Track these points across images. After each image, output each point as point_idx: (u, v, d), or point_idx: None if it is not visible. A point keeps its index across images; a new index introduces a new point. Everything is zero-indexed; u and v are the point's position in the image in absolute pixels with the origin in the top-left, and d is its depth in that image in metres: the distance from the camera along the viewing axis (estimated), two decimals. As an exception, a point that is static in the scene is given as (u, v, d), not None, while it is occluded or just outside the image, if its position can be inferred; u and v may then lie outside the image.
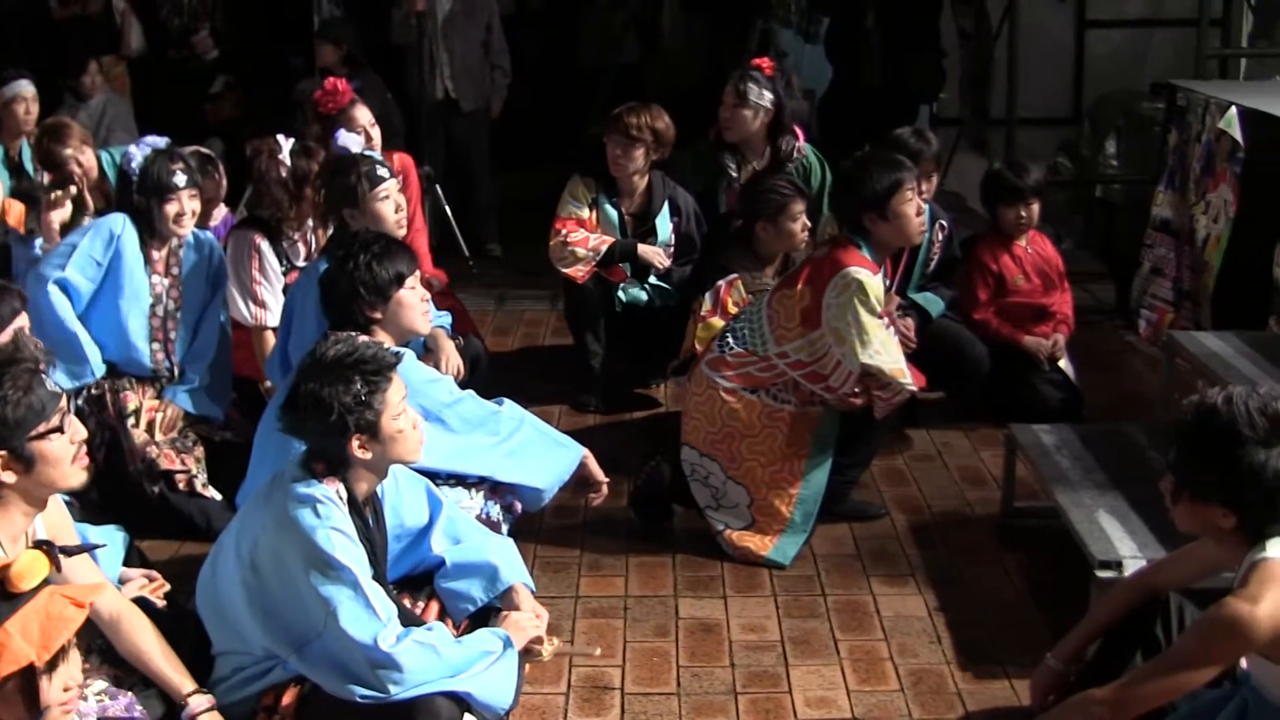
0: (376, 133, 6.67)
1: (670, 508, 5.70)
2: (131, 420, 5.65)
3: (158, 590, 4.31)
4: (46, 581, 3.02)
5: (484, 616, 4.17)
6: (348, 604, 3.72)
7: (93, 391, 5.64)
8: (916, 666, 4.70)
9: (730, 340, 5.53)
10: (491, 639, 3.96)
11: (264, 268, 6.07)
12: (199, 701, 3.84)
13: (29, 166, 7.19)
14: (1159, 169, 7.84)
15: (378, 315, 4.68)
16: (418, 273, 4.80)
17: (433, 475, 4.52)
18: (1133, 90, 9.49)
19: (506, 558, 4.28)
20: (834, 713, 4.45)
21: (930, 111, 10.33)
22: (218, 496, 5.62)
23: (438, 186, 9.32)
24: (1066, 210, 9.50)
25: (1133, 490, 4.90)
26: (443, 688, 3.77)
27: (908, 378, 5.35)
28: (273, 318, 5.98)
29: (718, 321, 6.02)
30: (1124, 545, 4.59)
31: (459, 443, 4.75)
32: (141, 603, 4.04)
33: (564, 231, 6.87)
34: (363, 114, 6.65)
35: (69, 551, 3.45)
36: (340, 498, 3.84)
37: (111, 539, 4.32)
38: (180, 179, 5.59)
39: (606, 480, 5.10)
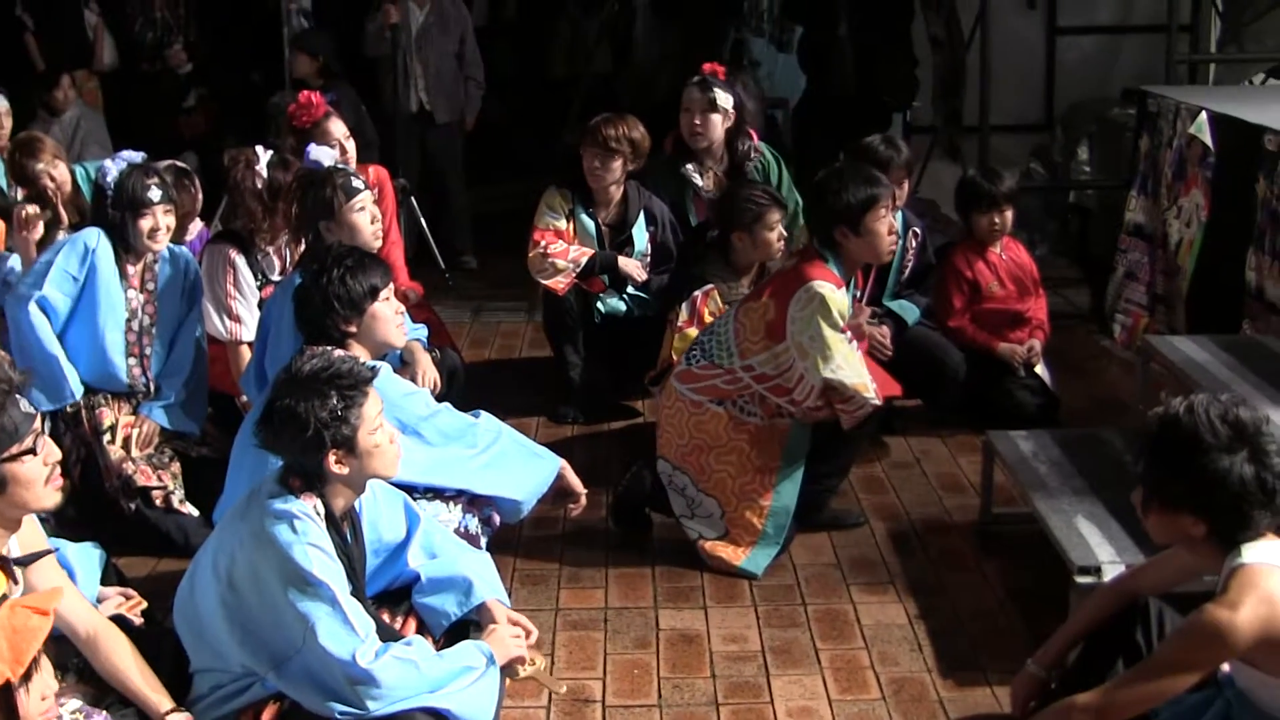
0: (352, 146, 6.66)
1: (649, 518, 5.69)
2: (107, 436, 5.63)
3: (135, 608, 4.27)
4: (4, 597, 3.00)
5: (461, 631, 4.15)
6: (326, 620, 3.70)
7: (68, 408, 5.61)
8: (898, 675, 4.70)
9: (698, 353, 5.54)
10: (475, 654, 3.94)
11: (239, 282, 6.04)
12: (177, 720, 3.83)
13: (3, 183, 7.16)
14: (1131, 174, 7.88)
15: (352, 329, 4.66)
16: (392, 285, 4.78)
17: (410, 489, 4.49)
18: (1104, 96, 9.55)
19: (481, 572, 4.26)
20: (815, 722, 4.46)
21: (904, 119, 10.36)
22: (195, 512, 5.60)
23: (413, 199, 9.31)
24: (1041, 216, 9.54)
25: (1110, 496, 4.91)
26: (422, 703, 3.75)
27: (870, 392, 5.34)
28: (248, 332, 5.96)
29: (694, 332, 6.02)
30: (1103, 551, 4.59)
31: (436, 456, 4.73)
32: (119, 620, 4.01)
33: (543, 243, 6.86)
34: (337, 127, 6.64)
35: (24, 561, 3.43)
36: (317, 513, 3.82)
37: (88, 557, 4.29)
38: (155, 194, 5.58)
39: (584, 491, 5.08)
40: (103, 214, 5.61)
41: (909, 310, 6.54)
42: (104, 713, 3.76)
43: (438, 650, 3.95)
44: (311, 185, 5.50)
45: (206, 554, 3.94)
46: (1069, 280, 8.90)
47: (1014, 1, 10.04)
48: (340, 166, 5.69)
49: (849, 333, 5.42)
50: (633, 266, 6.94)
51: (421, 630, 4.16)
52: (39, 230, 6.22)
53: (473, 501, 4.85)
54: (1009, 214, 6.73)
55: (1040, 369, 6.76)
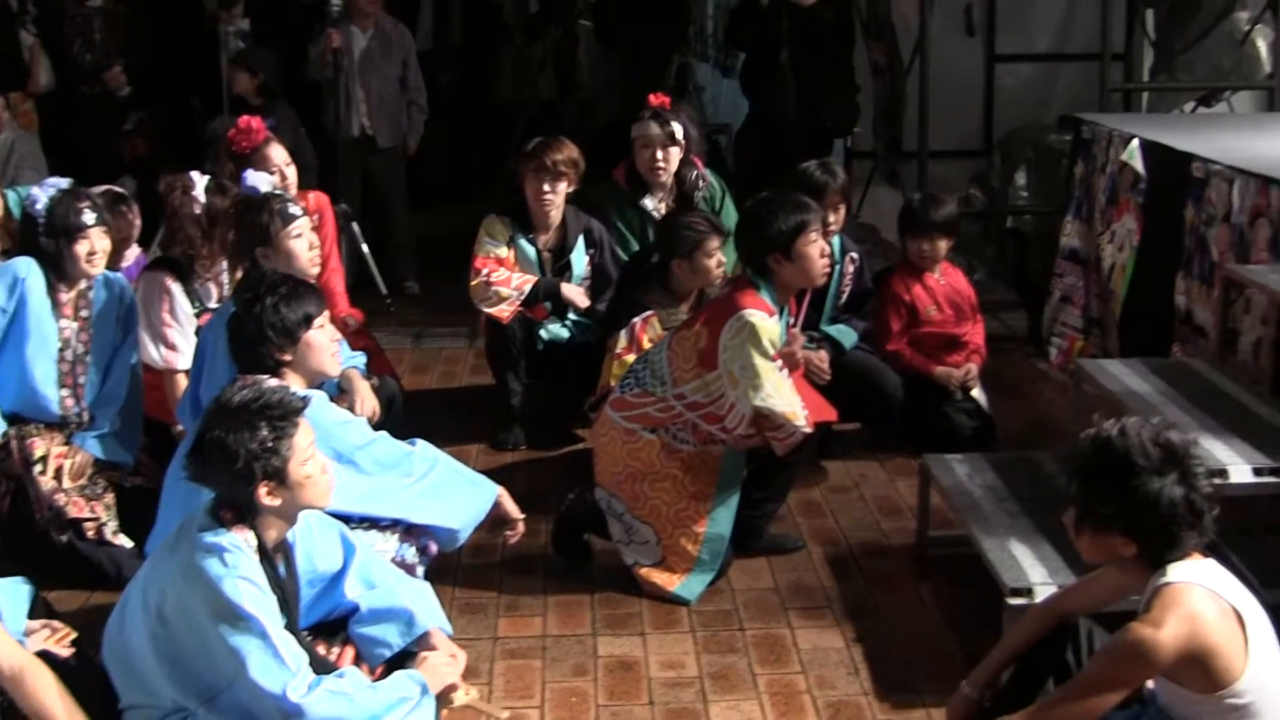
0: (292, 172, 6.65)
1: (589, 545, 5.71)
2: (39, 468, 5.56)
3: (63, 640, 4.22)
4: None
5: (400, 662, 4.14)
6: (257, 654, 3.69)
7: (-4, 439, 5.57)
8: (835, 698, 4.72)
9: (631, 381, 5.56)
10: (408, 684, 3.93)
11: (174, 310, 6.01)
12: (106, 758, 3.80)
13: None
14: (1066, 200, 7.95)
15: (287, 358, 4.64)
16: (327, 313, 4.77)
17: (346, 519, 4.49)
18: (1041, 123, 9.62)
19: (422, 602, 4.26)
20: (752, 747, 4.48)
21: (845, 145, 10.43)
22: (128, 544, 5.54)
23: (354, 224, 9.29)
24: (979, 241, 9.60)
25: (1044, 517, 4.96)
26: (358, 735, 3.75)
27: (801, 420, 5.37)
28: (184, 360, 5.93)
29: (633, 359, 6.03)
30: (1035, 572, 4.64)
31: (372, 485, 4.73)
32: (46, 656, 3.98)
33: (485, 271, 6.86)
34: (277, 153, 6.62)
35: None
36: (249, 545, 3.81)
37: (14, 592, 4.22)
38: (89, 217, 5.54)
39: (522, 518, 5.09)
40: (34, 242, 5.57)
41: (846, 335, 6.58)
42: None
43: (375, 681, 3.95)
44: (248, 211, 5.50)
45: (136, 587, 3.92)
46: (1006, 304, 8.98)
47: (953, 29, 10.09)
48: (277, 192, 5.70)
49: (780, 361, 5.45)
50: (575, 293, 6.96)
51: (357, 662, 4.15)
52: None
53: (409, 530, 4.84)
54: (942, 241, 6.79)
55: (977, 392, 6.81)
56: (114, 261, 6.00)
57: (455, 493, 4.95)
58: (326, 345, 4.72)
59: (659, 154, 7.07)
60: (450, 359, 8.50)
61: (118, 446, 5.75)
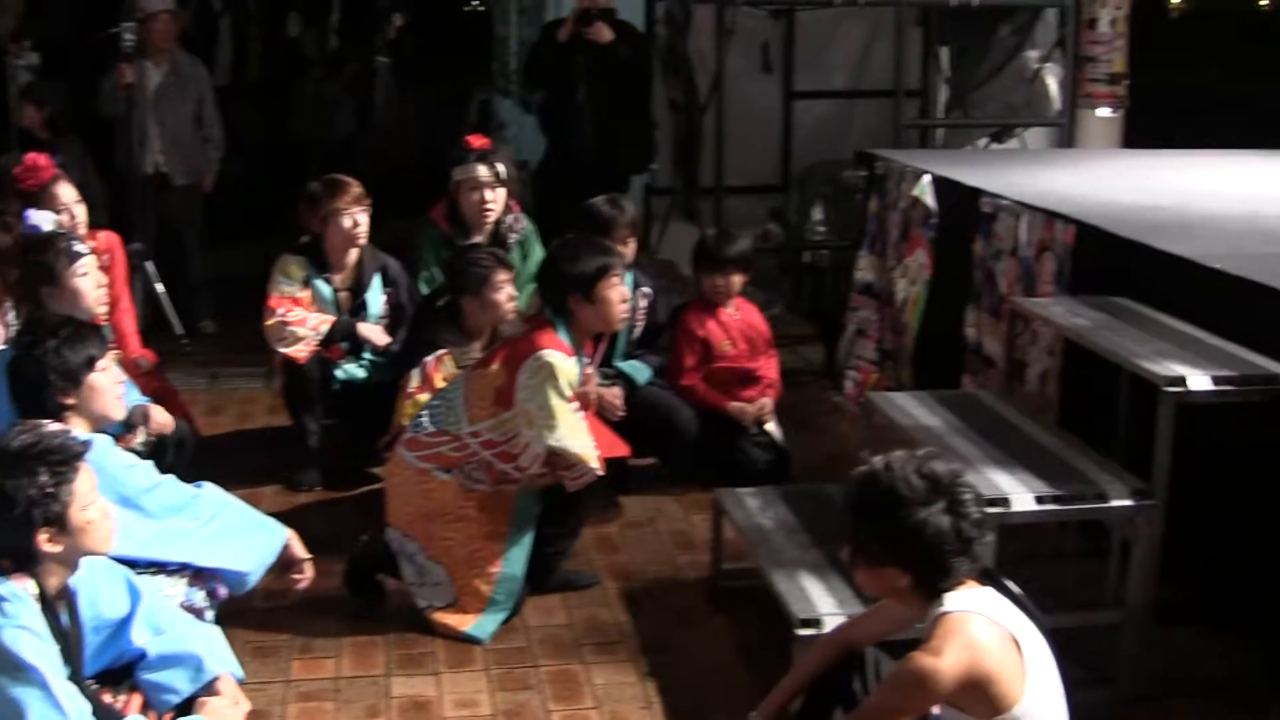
0: (81, 210, 6.53)
1: (383, 585, 5.67)
2: None
3: None
4: None
5: (188, 708, 4.08)
6: (37, 705, 3.60)
7: None
8: (628, 733, 4.74)
9: (425, 420, 5.53)
10: (189, 730, 3.89)
11: (-43, 352, 5.87)
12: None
13: None
14: (861, 234, 8.09)
15: (70, 401, 4.55)
16: (110, 356, 4.70)
17: (132, 563, 4.41)
18: (838, 159, 9.76)
19: (211, 646, 4.20)
20: (545, 784, 4.48)
21: (645, 181, 10.50)
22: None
23: (148, 264, 9.14)
24: (777, 275, 9.73)
25: (833, 549, 4.98)
26: (139, 783, 3.69)
27: (594, 462, 5.40)
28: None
29: (426, 398, 6.01)
30: (823, 603, 4.70)
31: (158, 529, 4.64)
32: None
33: (280, 311, 6.78)
34: (66, 191, 6.50)
35: None
36: (29, 594, 3.72)
37: None
38: None
39: (310, 559, 5.03)
40: None
41: (640, 371, 6.62)
42: None
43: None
44: (33, 250, 5.40)
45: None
46: (804, 337, 9.10)
47: (750, 67, 10.24)
48: (61, 231, 5.60)
49: (577, 402, 5.47)
50: (372, 333, 6.92)
51: (145, 709, 4.08)
52: None
53: (198, 574, 4.75)
54: (736, 277, 6.86)
55: (771, 426, 6.89)
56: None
57: (244, 535, 4.88)
58: (110, 388, 4.65)
59: (487, 195, 7.04)
60: (247, 400, 8.38)
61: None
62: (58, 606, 3.85)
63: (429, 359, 6.28)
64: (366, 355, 6.98)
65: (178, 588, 4.66)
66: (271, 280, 6.90)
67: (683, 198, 10.20)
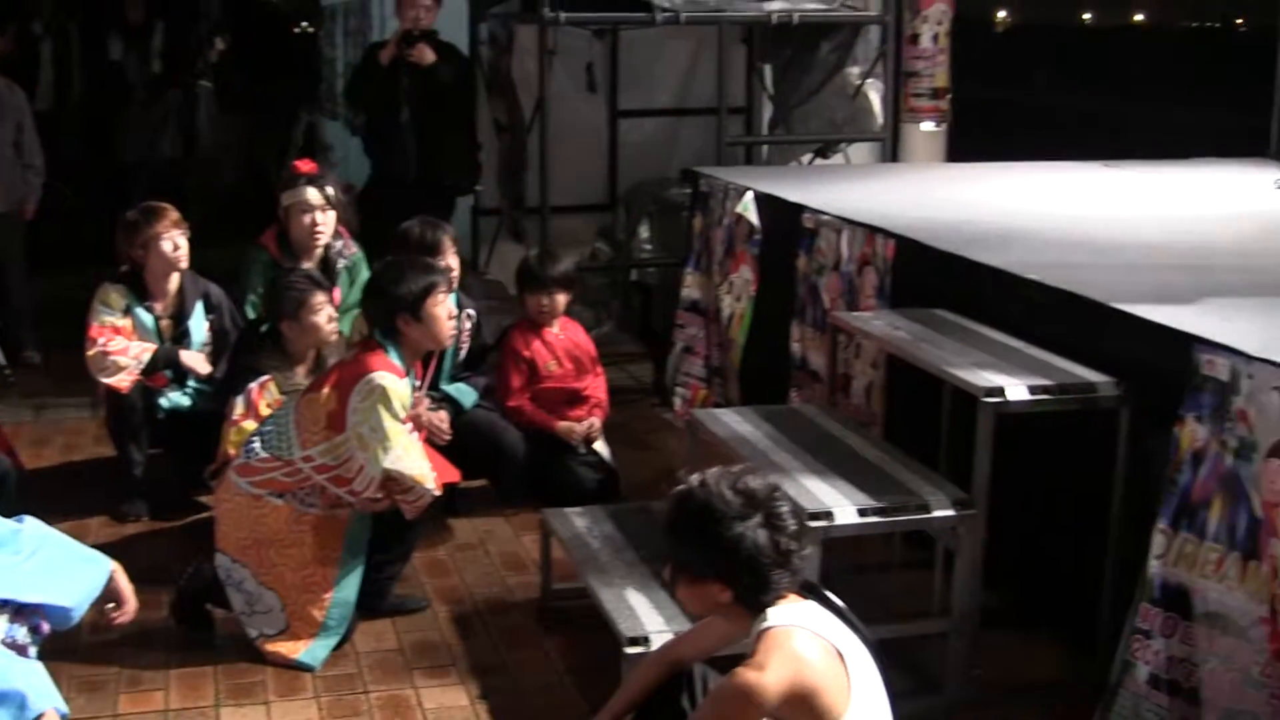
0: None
1: (210, 616, 5.58)
2: None
3: None
4: None
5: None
6: None
7: None
8: (458, 757, 4.71)
9: (256, 445, 5.46)
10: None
11: None
12: None
13: None
14: (686, 252, 8.12)
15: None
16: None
17: (-52, 602, 4.30)
18: (664, 177, 9.80)
19: (35, 682, 4.09)
20: (373, 812, 4.42)
21: (472, 202, 10.46)
22: None
23: (-34, 294, 8.95)
24: (606, 293, 9.74)
25: (660, 566, 5.01)
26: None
27: (430, 483, 5.36)
28: None
29: (251, 425, 5.93)
30: (651, 621, 4.70)
31: (-26, 565, 4.54)
32: None
33: (101, 340, 6.66)
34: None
35: None
36: None
37: None
38: None
39: (131, 592, 4.91)
40: None
41: (466, 394, 6.59)
42: None
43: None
44: None
45: None
46: (633, 355, 9.13)
47: (575, 86, 10.22)
48: None
49: (410, 424, 5.43)
50: (195, 360, 6.81)
51: (-36, 749, 3.99)
52: None
53: (19, 610, 4.64)
54: (560, 297, 6.87)
55: (600, 445, 6.89)
56: None
57: (67, 570, 4.75)
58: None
59: (318, 218, 6.95)
60: (73, 430, 8.21)
61: None
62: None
63: (253, 385, 6.19)
64: (191, 383, 6.87)
65: (-1, 625, 4.55)
66: (91, 310, 6.77)
67: (509, 218, 10.17)
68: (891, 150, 9.93)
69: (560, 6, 8.83)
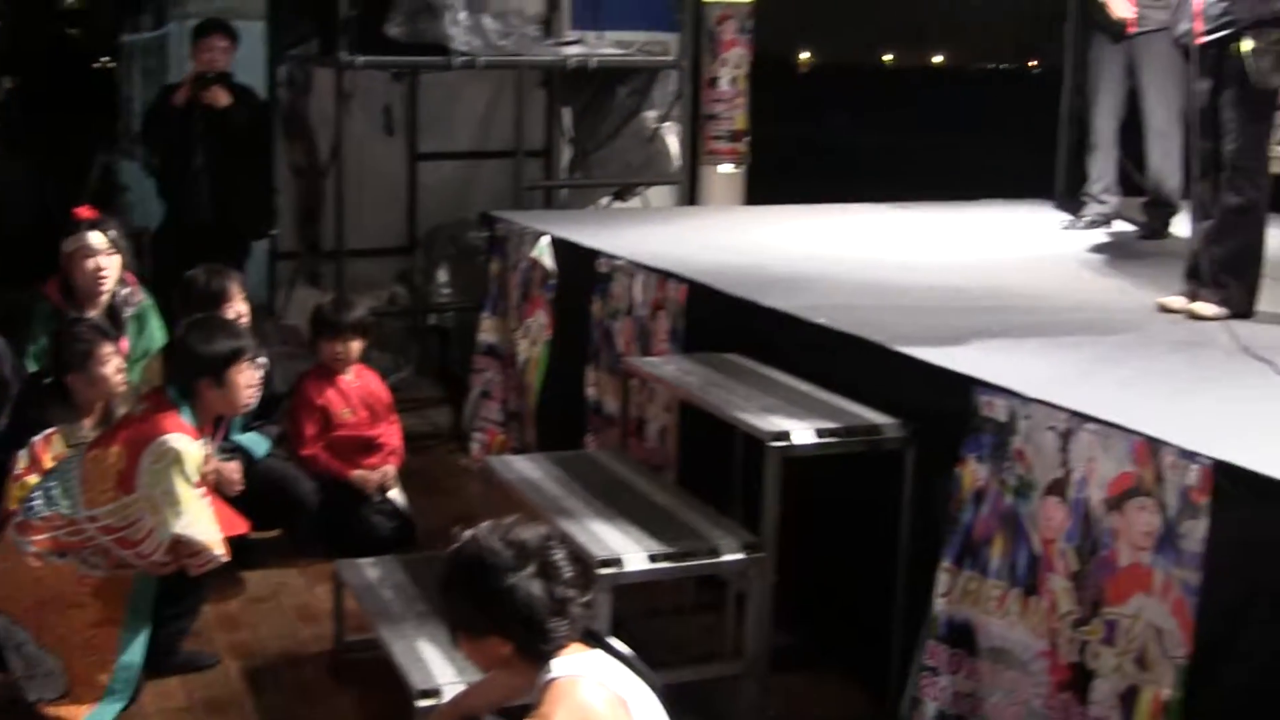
0: None
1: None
2: None
3: None
4: None
5: None
6: None
7: None
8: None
9: (38, 503, 5.28)
10: None
11: None
12: None
13: None
14: (483, 296, 8.11)
15: None
16: None
17: None
18: (463, 219, 9.77)
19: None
20: None
21: (270, 246, 10.33)
22: None
23: None
24: (405, 338, 9.68)
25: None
26: None
27: (219, 549, 5.26)
28: None
29: (35, 479, 5.76)
30: (443, 672, 4.66)
31: None
32: None
33: None
34: None
35: None
36: None
37: None
38: None
39: None
40: None
41: (258, 444, 6.49)
42: None
43: None
44: None
45: None
46: (432, 400, 9.08)
47: (373, 129, 10.16)
48: None
49: (203, 487, 5.33)
50: None
51: None
52: None
53: None
54: (354, 344, 6.82)
55: (395, 493, 6.84)
56: None
57: None
58: None
59: (102, 264, 6.77)
60: None
61: None
62: None
63: (37, 439, 6.01)
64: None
65: None
66: None
67: (307, 262, 10.07)
68: (690, 193, 10.01)
69: (357, 49, 8.77)
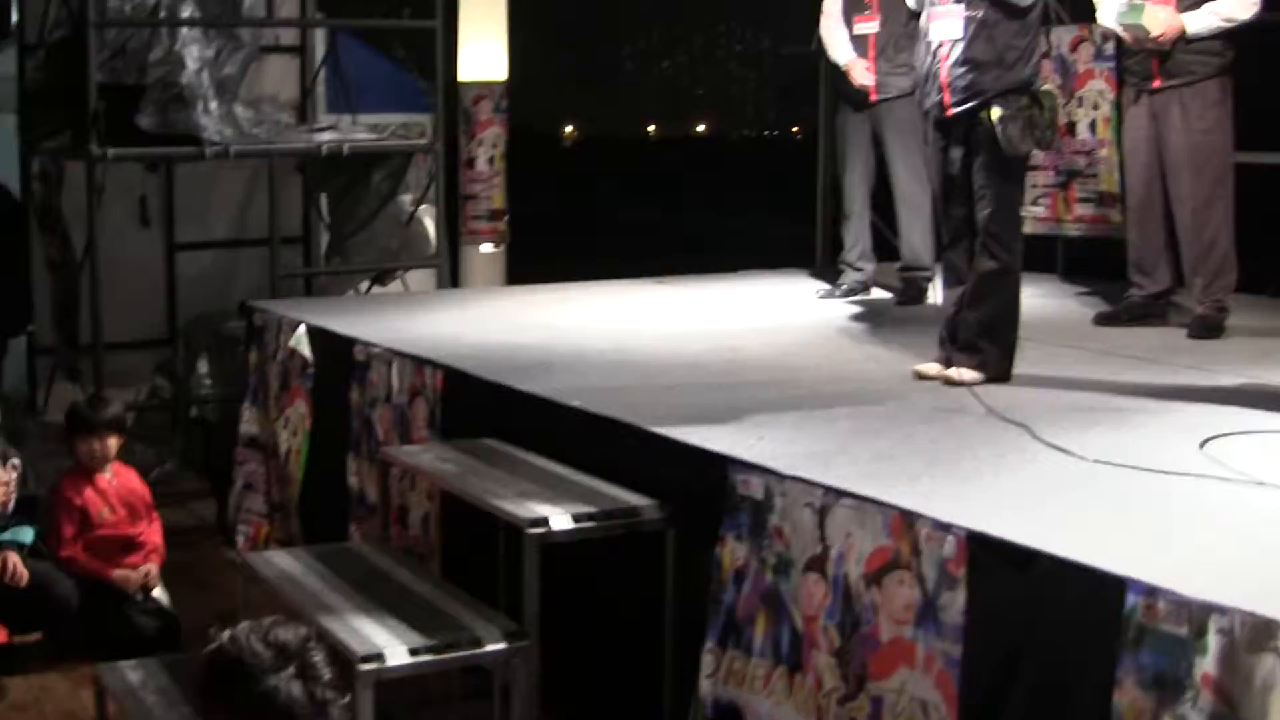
0: None
1: None
2: None
3: None
4: None
5: None
6: None
7: None
8: None
9: None
10: None
11: None
12: None
13: None
14: (244, 387, 8.05)
15: None
16: None
17: None
18: (224, 309, 9.68)
19: None
20: None
21: (28, 342, 10.13)
22: None
23: None
24: (168, 431, 9.56)
25: (216, 718, 4.93)
26: None
27: None
28: None
29: None
30: (206, 780, 4.60)
31: None
32: None
33: None
34: None
35: None
36: None
37: None
38: None
39: None
40: None
41: (21, 532, 6.38)
42: None
43: None
44: None
45: None
46: (196, 493, 8.96)
47: (128, 221, 10.04)
48: None
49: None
50: None
51: None
52: None
53: None
54: (111, 441, 6.74)
55: (159, 592, 6.76)
56: None
57: None
58: None
59: None
60: None
61: None
62: None
63: None
64: None
65: None
66: None
67: (65, 357, 9.90)
68: (451, 274, 10.06)
69: (108, 141, 8.68)
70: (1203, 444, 4.90)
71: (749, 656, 4.51)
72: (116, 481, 6.79)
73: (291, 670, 3.57)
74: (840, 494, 4.29)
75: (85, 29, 8.59)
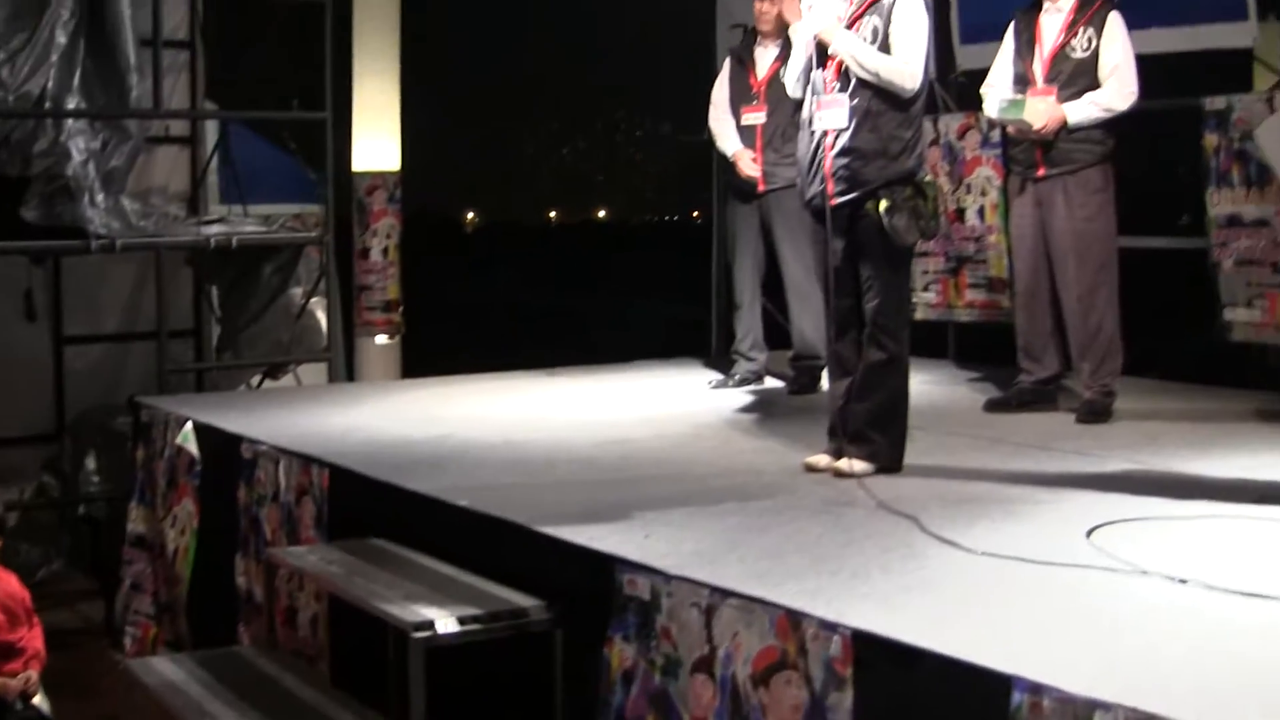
0: None
1: None
2: None
3: None
4: None
5: None
6: None
7: None
8: None
9: None
10: None
11: None
12: None
13: None
14: (131, 485, 7.94)
15: None
16: None
17: None
18: (113, 404, 9.56)
19: None
20: None
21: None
22: None
23: None
24: (54, 529, 9.41)
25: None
26: None
27: None
28: None
29: None
30: None
31: None
32: None
33: None
34: None
35: None
36: None
37: None
38: None
39: None
40: None
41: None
42: None
43: None
44: None
45: None
46: (85, 594, 8.80)
47: (14, 314, 9.88)
48: None
49: None
50: None
51: None
52: None
53: None
54: (-12, 544, 6.60)
55: (40, 699, 6.59)
56: None
57: None
58: None
59: None
60: None
61: None
62: None
63: None
64: None
65: None
66: None
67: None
68: (346, 366, 9.98)
69: (-10, 234, 8.57)
70: (1089, 533, 4.91)
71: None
72: (-3, 586, 6.64)
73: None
74: (726, 594, 4.25)
75: (-32, 120, 8.49)
